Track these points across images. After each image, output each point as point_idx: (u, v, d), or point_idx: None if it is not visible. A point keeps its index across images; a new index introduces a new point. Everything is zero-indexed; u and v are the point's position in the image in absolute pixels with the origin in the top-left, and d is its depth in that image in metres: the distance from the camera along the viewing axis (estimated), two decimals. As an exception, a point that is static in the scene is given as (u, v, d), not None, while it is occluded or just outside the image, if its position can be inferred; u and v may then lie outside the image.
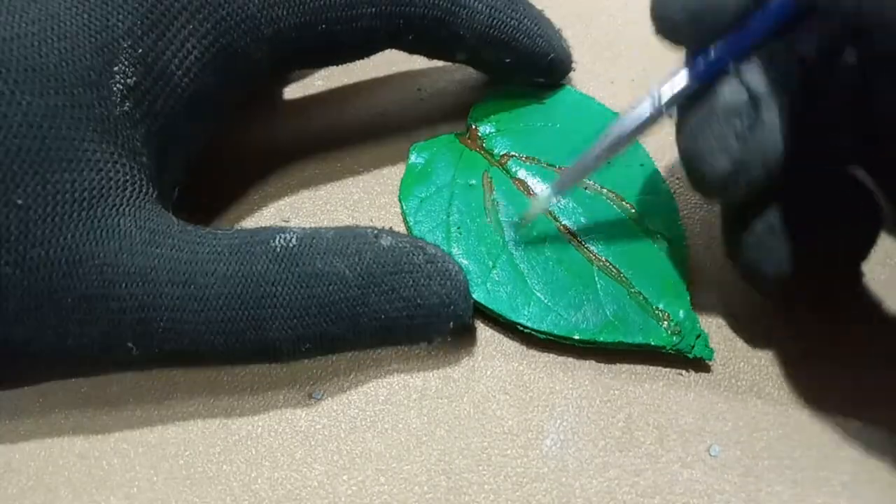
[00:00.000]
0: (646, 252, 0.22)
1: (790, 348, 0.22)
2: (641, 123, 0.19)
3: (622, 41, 0.29)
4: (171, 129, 0.19)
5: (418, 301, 0.19)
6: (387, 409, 0.21)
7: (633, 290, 0.22)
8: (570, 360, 0.22)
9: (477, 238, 0.23)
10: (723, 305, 0.22)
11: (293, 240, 0.19)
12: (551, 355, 0.22)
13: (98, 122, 0.17)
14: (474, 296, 0.21)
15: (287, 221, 0.24)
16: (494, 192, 0.24)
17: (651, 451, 0.20)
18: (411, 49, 0.23)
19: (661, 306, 0.21)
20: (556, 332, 0.21)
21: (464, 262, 0.22)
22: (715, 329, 0.22)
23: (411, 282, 0.19)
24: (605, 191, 0.24)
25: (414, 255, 0.20)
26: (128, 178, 0.18)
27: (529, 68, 0.25)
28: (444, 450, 0.20)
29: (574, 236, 0.23)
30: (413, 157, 0.25)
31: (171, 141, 0.20)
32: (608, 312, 0.21)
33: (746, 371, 0.21)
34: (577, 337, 0.21)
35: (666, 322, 0.21)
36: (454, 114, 0.26)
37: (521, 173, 0.24)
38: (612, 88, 0.27)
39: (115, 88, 0.18)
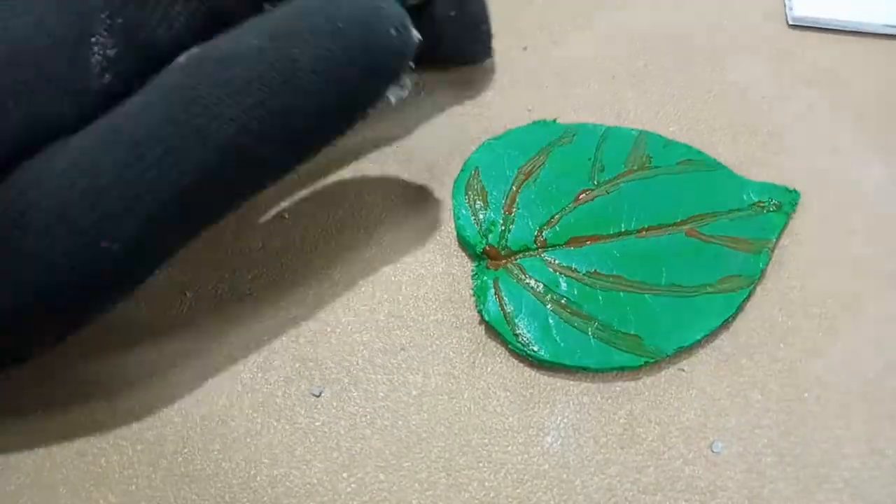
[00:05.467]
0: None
1: (792, 345, 0.22)
2: None
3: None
4: None
5: (339, 25, 0.17)
6: (387, 406, 0.21)
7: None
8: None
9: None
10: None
11: (194, 49, 0.17)
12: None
13: (74, 96, 0.16)
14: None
15: (286, 218, 0.24)
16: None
17: (653, 447, 0.20)
18: None
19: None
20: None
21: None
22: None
23: (323, 19, 0.17)
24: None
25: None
26: None
27: (464, 36, 0.25)
28: (444, 447, 0.20)
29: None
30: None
31: None
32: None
33: (748, 367, 0.21)
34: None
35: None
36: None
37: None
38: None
39: (93, 60, 0.17)
